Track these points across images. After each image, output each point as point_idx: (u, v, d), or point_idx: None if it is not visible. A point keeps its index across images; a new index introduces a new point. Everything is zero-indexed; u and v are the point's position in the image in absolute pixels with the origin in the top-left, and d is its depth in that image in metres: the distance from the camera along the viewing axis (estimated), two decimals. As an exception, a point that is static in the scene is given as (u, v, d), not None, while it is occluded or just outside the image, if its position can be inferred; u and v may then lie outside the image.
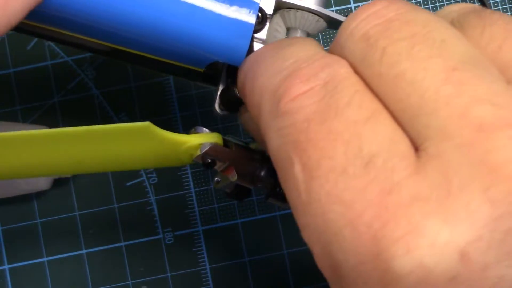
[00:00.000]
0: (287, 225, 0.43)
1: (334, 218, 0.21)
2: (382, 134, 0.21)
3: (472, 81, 0.21)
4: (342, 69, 0.23)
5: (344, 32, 0.24)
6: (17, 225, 0.43)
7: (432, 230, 0.19)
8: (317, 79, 0.23)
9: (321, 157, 0.21)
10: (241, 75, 0.27)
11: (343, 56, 0.23)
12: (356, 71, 0.23)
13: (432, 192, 0.20)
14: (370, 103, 0.22)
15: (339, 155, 0.21)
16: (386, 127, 0.21)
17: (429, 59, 0.21)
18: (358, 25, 0.23)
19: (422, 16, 0.23)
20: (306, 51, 0.24)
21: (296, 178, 0.22)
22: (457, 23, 0.24)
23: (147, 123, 0.27)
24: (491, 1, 0.45)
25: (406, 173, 0.20)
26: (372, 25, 0.23)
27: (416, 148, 0.21)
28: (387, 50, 0.22)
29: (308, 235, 0.22)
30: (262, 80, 0.24)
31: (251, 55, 0.27)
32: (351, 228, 0.20)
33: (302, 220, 0.22)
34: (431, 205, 0.20)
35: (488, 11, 0.24)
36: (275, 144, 0.23)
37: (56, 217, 0.43)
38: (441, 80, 0.21)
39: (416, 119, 0.21)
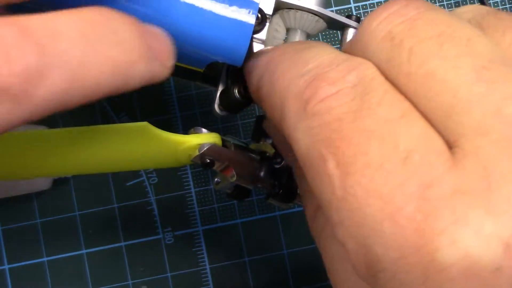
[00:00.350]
0: (287, 225, 0.43)
1: (372, 212, 0.20)
2: (417, 132, 0.21)
3: (502, 79, 0.21)
4: (368, 70, 0.23)
5: (365, 33, 0.23)
6: (17, 225, 0.43)
7: (477, 221, 0.19)
8: (345, 82, 0.22)
9: (356, 153, 0.21)
10: (253, 79, 0.27)
11: (365, 56, 0.23)
12: (381, 72, 0.23)
13: (472, 186, 0.20)
14: (400, 102, 0.22)
15: (375, 151, 0.21)
16: (419, 125, 0.21)
17: (459, 58, 0.21)
18: (379, 25, 0.23)
19: (443, 15, 0.23)
20: (326, 54, 0.24)
21: (330, 175, 0.21)
22: (475, 24, 0.24)
23: (144, 123, 0.27)
24: (491, 1, 0.45)
25: (445, 168, 0.20)
26: (395, 24, 0.23)
27: (449, 146, 0.21)
28: (415, 50, 0.22)
29: (342, 231, 0.22)
30: (282, 83, 0.24)
31: (261, 59, 0.27)
32: (391, 222, 0.20)
33: (336, 216, 0.22)
34: (473, 197, 0.20)
35: (505, 13, 0.24)
36: (304, 143, 0.23)
37: (56, 217, 0.43)
38: (473, 79, 0.21)
39: (449, 117, 0.21)
